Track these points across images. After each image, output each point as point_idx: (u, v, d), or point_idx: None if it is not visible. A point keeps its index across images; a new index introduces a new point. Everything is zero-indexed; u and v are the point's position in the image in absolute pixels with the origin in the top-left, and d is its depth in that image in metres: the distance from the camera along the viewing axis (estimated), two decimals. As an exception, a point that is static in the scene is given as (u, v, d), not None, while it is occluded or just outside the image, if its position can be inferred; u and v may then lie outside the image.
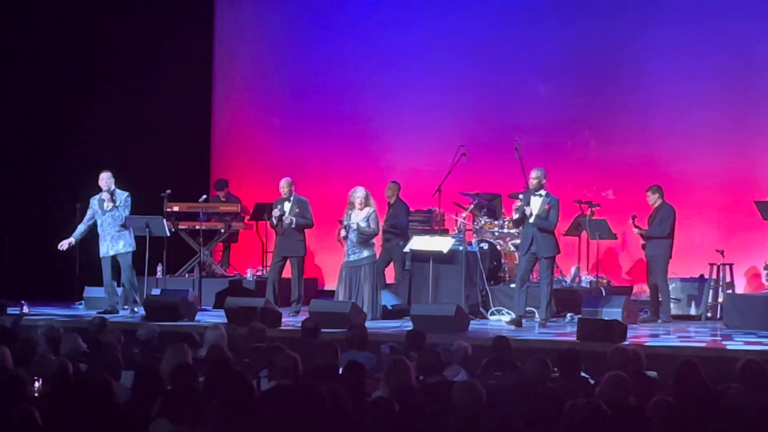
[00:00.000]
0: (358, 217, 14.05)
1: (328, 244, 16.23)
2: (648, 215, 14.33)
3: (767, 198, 14.20)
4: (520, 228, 13.91)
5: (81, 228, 14.72)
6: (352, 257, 14.06)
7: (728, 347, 11.58)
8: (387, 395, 6.97)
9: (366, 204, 14.11)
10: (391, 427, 6.34)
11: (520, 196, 13.69)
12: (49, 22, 17.21)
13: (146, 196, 15.30)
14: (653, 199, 14.28)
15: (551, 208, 13.45)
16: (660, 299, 14.19)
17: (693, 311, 14.81)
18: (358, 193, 14.14)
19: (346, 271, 14.09)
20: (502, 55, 17.26)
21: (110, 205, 14.51)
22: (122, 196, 14.62)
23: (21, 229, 16.68)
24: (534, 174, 13.57)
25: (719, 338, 12.57)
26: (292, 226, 14.46)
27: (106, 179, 14.57)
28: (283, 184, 14.72)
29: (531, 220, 13.40)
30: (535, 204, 13.46)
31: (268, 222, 15.27)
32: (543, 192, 13.52)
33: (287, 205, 14.64)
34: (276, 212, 14.61)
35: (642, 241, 14.37)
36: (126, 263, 14.58)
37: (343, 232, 14.09)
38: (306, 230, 14.85)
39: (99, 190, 14.69)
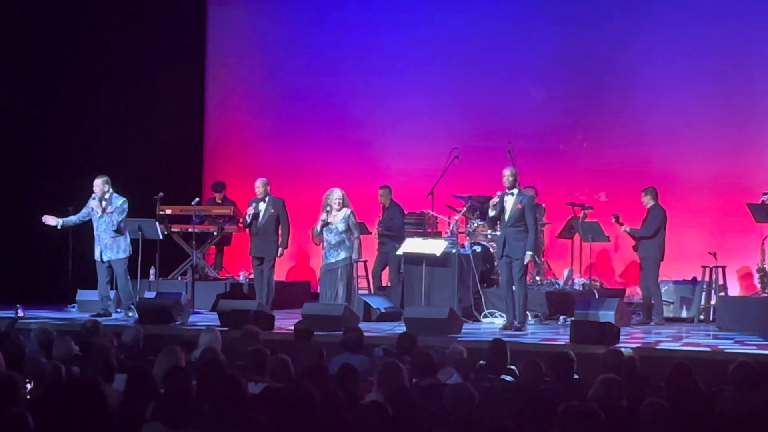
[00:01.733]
0: (335, 218, 14.06)
1: (320, 246, 16.23)
2: (643, 217, 14.37)
3: (760, 201, 14.21)
4: (496, 228, 13.83)
5: (72, 218, 14.64)
6: (331, 260, 14.10)
7: (721, 350, 11.58)
8: (380, 398, 6.97)
9: (343, 205, 14.11)
10: (384, 430, 6.33)
11: (498, 193, 13.53)
12: (40, 26, 17.17)
13: (139, 199, 15.28)
14: (646, 201, 14.32)
15: (524, 207, 13.34)
16: (652, 301, 14.21)
17: (686, 314, 14.81)
18: (335, 194, 14.14)
19: (326, 274, 14.12)
20: (494, 58, 17.26)
21: (99, 211, 14.47)
22: (118, 201, 14.57)
23: (13, 232, 16.65)
24: (507, 172, 13.42)
25: (712, 341, 12.58)
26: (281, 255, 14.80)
27: (99, 185, 14.52)
28: (258, 185, 14.80)
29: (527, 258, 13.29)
30: (509, 203, 13.38)
31: (242, 222, 15.32)
32: (515, 191, 13.43)
33: (262, 205, 14.71)
34: (250, 210, 14.68)
35: (634, 242, 14.43)
36: (121, 269, 14.53)
37: (319, 225, 14.05)
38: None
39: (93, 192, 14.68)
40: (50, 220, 14.65)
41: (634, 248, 14.45)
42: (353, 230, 14.14)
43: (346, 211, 14.11)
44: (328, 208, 14.10)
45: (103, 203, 14.49)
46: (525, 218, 13.25)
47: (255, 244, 14.83)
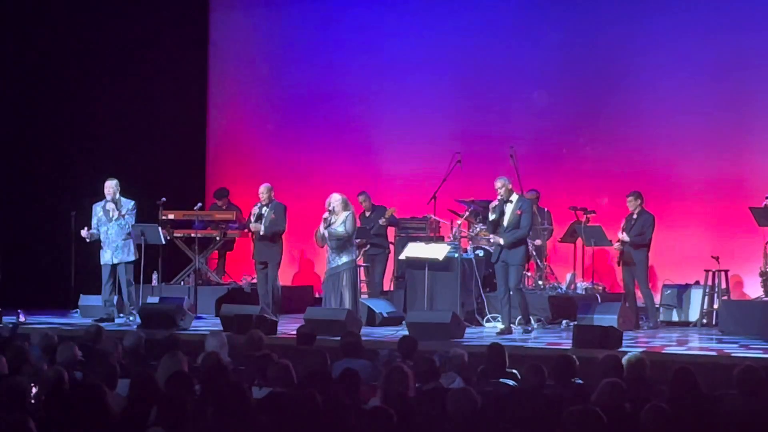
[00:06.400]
0: (336, 222, 14.06)
1: (324, 251, 16.21)
2: (624, 219, 14.32)
3: (763, 204, 14.19)
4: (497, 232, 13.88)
5: (95, 232, 14.62)
6: (332, 264, 14.08)
7: (724, 354, 11.57)
8: (382, 403, 6.96)
9: (344, 209, 14.10)
10: (387, 434, 6.33)
11: (499, 197, 13.59)
12: (43, 30, 17.19)
13: (142, 203, 15.29)
14: (634, 205, 14.29)
15: (523, 213, 13.39)
16: (645, 305, 14.22)
17: (688, 318, 14.79)
18: (334, 198, 14.13)
19: (328, 279, 14.11)
20: (496, 62, 17.27)
21: (116, 214, 14.47)
22: (129, 204, 14.61)
23: (16, 238, 16.66)
24: (499, 184, 13.49)
25: (715, 345, 12.56)
26: (261, 233, 14.53)
27: (111, 187, 14.52)
28: (263, 190, 14.83)
29: (502, 242, 13.31)
30: (508, 211, 13.41)
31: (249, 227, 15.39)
32: (513, 198, 13.48)
33: (265, 210, 14.72)
34: (252, 218, 14.75)
35: (618, 250, 14.27)
36: (130, 273, 14.59)
37: (322, 227, 14.04)
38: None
39: (97, 197, 14.68)
40: (84, 232, 14.61)
41: (618, 263, 14.36)
42: (350, 233, 14.13)
43: (345, 213, 14.10)
44: (329, 212, 14.11)
45: (118, 206, 14.51)
46: (521, 223, 13.29)
47: (258, 248, 14.86)
